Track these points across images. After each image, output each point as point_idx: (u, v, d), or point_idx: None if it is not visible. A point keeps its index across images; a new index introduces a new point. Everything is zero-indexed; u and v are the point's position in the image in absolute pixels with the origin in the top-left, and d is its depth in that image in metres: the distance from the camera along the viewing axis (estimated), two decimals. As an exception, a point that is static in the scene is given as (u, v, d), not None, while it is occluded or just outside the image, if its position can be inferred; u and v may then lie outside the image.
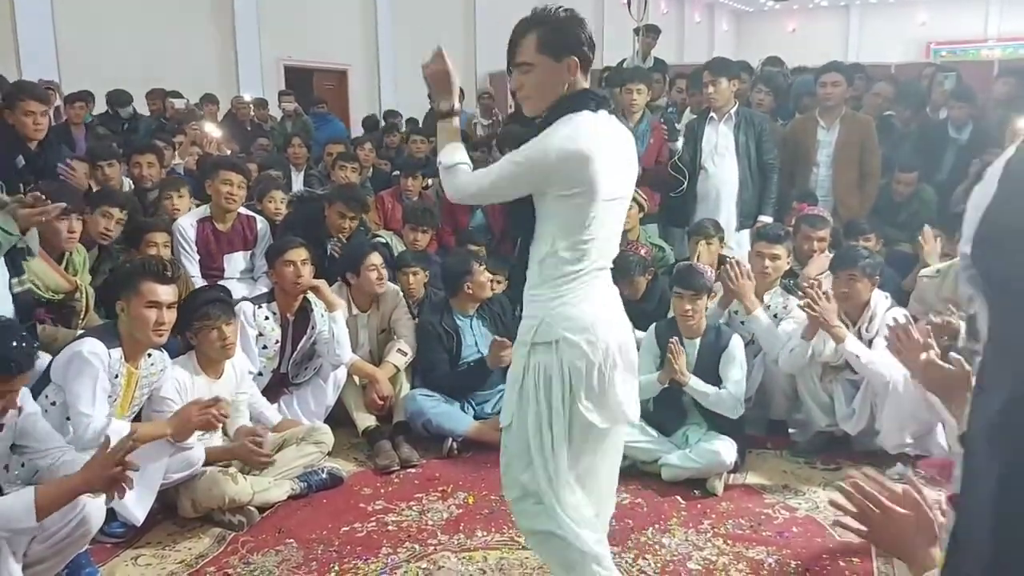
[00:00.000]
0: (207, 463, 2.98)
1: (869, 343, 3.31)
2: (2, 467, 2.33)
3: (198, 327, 3.09)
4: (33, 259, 3.20)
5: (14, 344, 2.14)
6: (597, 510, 2.14)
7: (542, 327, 2.01)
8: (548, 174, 1.96)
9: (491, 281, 3.98)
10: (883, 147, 5.09)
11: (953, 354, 2.02)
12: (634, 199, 4.44)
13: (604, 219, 2.01)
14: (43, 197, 3.01)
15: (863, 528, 1.34)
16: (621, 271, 3.91)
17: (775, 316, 3.68)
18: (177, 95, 8.08)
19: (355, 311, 3.95)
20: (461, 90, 2.33)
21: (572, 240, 1.98)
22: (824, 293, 3.27)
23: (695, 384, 3.30)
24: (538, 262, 2.04)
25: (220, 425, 2.98)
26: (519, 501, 2.10)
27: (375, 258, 3.90)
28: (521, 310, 2.14)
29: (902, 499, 1.35)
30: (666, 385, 3.35)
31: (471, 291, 3.83)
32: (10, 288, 2.96)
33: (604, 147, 1.97)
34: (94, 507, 2.26)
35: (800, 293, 3.43)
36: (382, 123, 9.34)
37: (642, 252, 4.09)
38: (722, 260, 4.10)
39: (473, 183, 2.07)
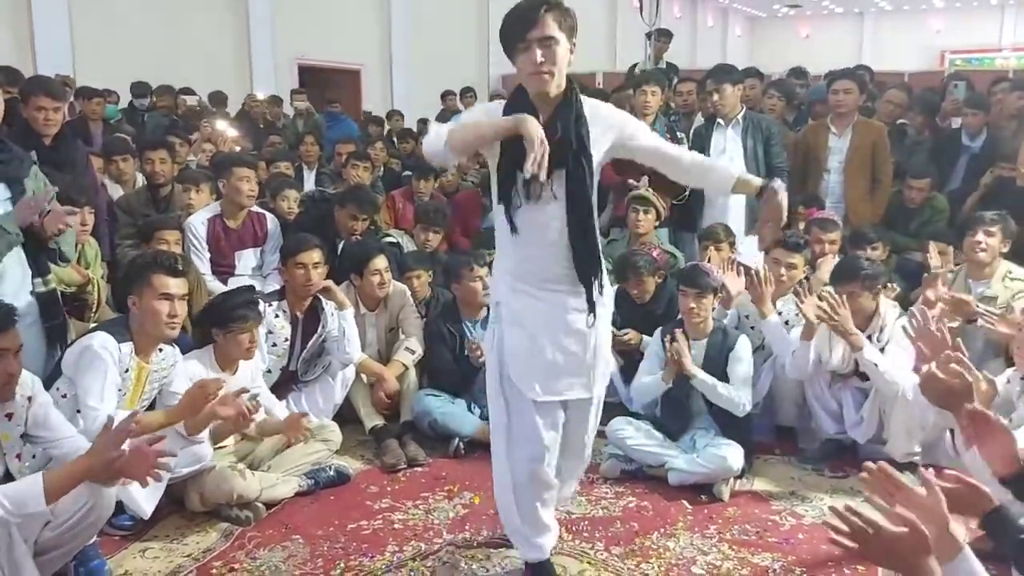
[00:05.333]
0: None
1: (880, 351, 3.30)
2: (15, 456, 2.35)
3: (230, 328, 3.09)
4: (66, 265, 3.20)
5: None
6: None
7: None
8: None
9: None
10: (895, 155, 5.06)
11: (954, 364, 1.99)
12: (653, 203, 4.45)
13: None
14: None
15: (855, 546, 1.35)
16: (629, 271, 3.93)
17: (787, 323, 3.67)
18: (190, 92, 8.09)
19: (363, 310, 3.95)
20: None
21: None
22: (843, 299, 3.25)
23: (702, 376, 3.29)
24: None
25: (252, 421, 2.97)
26: None
27: (379, 262, 3.87)
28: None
29: (920, 500, 1.38)
30: (670, 385, 3.35)
31: (461, 295, 3.84)
32: (33, 288, 2.97)
33: None
34: (104, 496, 2.27)
35: (812, 298, 3.39)
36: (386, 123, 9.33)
37: (655, 254, 4.07)
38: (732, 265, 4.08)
39: None
